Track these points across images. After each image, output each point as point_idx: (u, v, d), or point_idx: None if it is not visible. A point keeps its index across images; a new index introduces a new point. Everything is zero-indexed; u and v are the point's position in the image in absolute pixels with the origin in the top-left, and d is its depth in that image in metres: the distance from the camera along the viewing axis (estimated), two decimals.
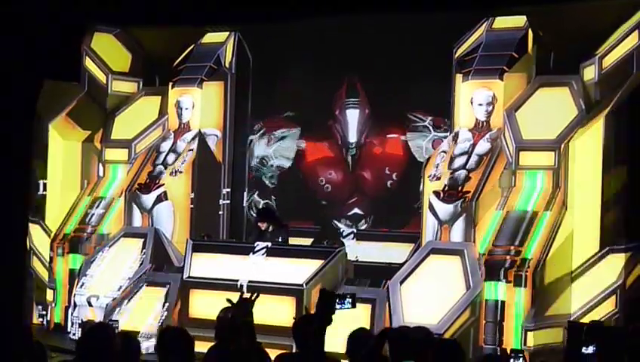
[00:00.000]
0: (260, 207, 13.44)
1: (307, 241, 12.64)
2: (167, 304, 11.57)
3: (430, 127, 12.96)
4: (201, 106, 13.26)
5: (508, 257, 10.49)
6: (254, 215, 13.11)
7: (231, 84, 13.52)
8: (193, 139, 13.19)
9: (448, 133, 12.03)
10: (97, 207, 13.47)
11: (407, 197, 12.77)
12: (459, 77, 11.62)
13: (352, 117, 13.45)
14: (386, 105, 13.14)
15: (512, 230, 10.76)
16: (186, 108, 13.18)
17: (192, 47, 13.70)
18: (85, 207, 13.52)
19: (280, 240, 11.73)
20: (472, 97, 11.50)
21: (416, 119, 13.01)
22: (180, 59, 13.70)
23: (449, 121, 12.11)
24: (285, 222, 12.08)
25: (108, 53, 14.23)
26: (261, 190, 13.97)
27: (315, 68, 13.39)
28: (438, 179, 11.20)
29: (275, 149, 13.92)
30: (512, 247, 10.59)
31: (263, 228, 11.77)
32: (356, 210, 13.44)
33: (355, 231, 13.29)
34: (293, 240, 12.03)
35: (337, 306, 5.08)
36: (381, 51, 12.85)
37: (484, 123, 11.45)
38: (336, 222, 13.49)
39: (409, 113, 13.01)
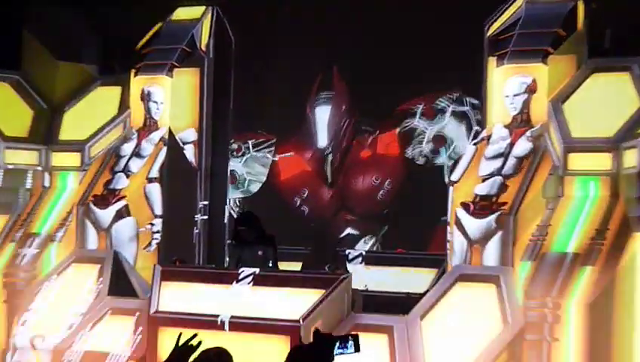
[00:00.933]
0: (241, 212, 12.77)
1: (297, 265, 12.03)
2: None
3: (420, 120, 12.73)
4: (172, 99, 12.40)
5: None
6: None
7: (208, 70, 12.64)
8: (161, 140, 12.32)
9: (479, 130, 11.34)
10: (30, 247, 12.47)
11: (407, 206, 12.49)
12: (492, 60, 10.74)
13: (322, 116, 13.09)
14: (377, 96, 12.64)
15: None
16: (161, 103, 12.35)
17: (159, 25, 12.76)
18: (15, 246, 12.56)
19: (270, 264, 10.95)
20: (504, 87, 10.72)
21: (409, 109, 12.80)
22: (144, 40, 12.74)
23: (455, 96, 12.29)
24: (271, 233, 11.32)
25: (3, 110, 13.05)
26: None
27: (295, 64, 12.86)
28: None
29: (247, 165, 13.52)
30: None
31: (244, 236, 11.17)
32: (349, 231, 13.11)
33: (364, 253, 12.79)
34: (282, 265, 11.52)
35: (338, 351, 4.93)
36: (375, 31, 12.50)
37: (524, 117, 10.53)
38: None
39: (400, 105, 12.84)
